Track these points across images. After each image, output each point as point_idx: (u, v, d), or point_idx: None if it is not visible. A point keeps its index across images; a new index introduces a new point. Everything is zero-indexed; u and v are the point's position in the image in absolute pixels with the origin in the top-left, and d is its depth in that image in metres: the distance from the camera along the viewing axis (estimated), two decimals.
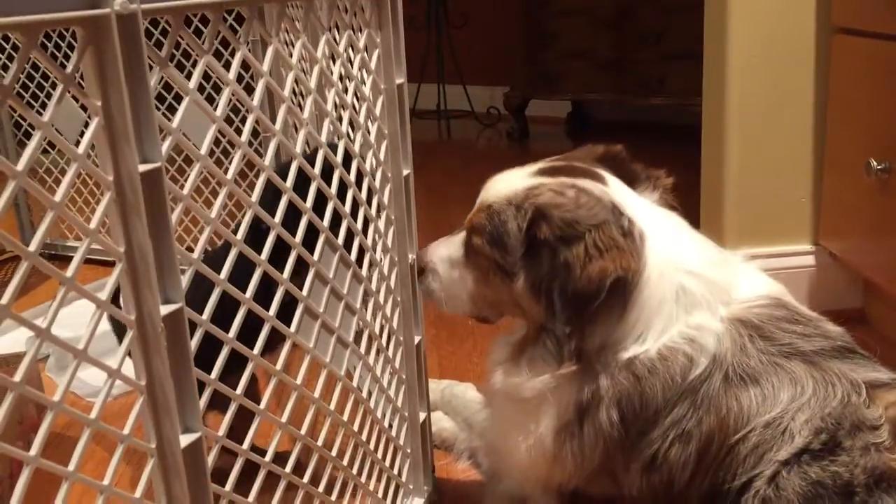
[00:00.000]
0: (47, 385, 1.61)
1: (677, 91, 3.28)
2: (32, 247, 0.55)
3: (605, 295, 0.94)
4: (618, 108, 3.95)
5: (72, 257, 0.58)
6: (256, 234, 0.78)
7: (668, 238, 1.02)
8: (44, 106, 1.87)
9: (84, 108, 1.73)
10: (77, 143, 0.57)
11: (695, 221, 1.93)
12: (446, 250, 1.13)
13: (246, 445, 0.78)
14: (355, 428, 1.00)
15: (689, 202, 1.94)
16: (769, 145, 1.82)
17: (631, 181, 1.08)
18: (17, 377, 0.55)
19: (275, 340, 0.83)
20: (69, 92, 0.57)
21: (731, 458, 0.92)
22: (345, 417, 0.98)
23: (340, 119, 1.02)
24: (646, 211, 1.03)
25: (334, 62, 0.95)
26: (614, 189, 1.03)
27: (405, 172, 1.09)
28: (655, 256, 0.98)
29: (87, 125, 0.60)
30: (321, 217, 0.89)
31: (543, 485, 1.09)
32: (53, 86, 1.70)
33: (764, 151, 1.82)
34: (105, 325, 0.62)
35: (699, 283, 0.99)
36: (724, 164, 1.84)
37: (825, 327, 1.01)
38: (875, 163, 1.56)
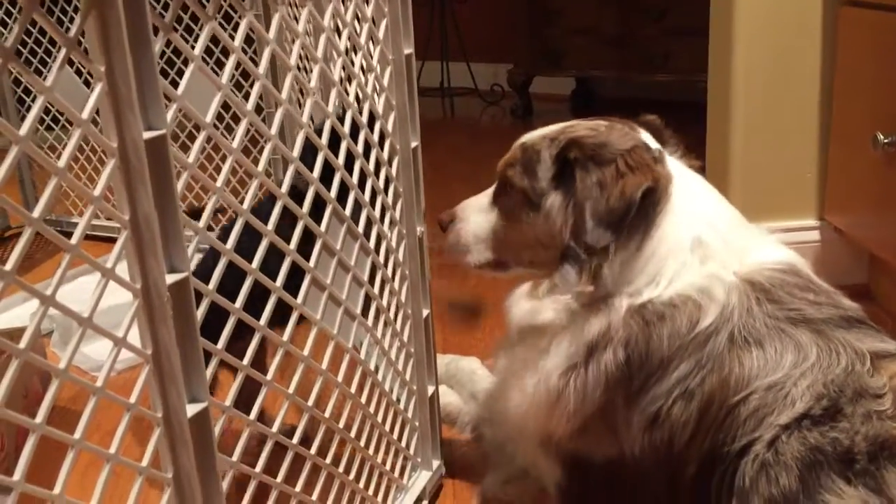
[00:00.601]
0: (52, 361, 1.61)
1: (682, 67, 3.25)
2: (36, 213, 0.54)
3: (636, 209, 0.96)
4: (622, 84, 3.91)
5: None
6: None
7: (694, 190, 1.04)
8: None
9: (88, 84, 1.72)
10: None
11: None
12: (475, 200, 1.15)
13: (253, 416, 0.78)
14: (363, 400, 1.00)
15: None
16: (774, 120, 1.81)
17: (661, 143, 1.10)
18: (22, 344, 0.55)
19: (285, 312, 0.83)
20: (72, 57, 0.56)
21: (731, 420, 0.92)
22: (352, 390, 0.97)
23: (347, 92, 1.01)
24: (674, 164, 1.06)
25: (340, 33, 0.94)
26: (647, 136, 1.07)
27: (413, 144, 1.08)
28: (678, 201, 1.00)
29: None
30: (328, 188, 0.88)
31: (541, 434, 1.08)
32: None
33: (769, 126, 1.81)
34: (110, 301, 0.62)
35: (716, 238, 1.00)
36: (729, 139, 1.82)
37: (839, 300, 1.00)
38: (882, 136, 1.54)
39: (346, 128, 0.92)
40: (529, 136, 1.09)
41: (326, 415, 0.91)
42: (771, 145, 1.82)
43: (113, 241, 0.62)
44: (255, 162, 0.78)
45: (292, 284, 0.83)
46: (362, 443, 1.01)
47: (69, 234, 0.58)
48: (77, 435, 0.60)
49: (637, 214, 0.97)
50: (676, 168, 1.05)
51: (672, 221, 0.99)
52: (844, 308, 0.98)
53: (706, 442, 0.94)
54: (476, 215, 1.14)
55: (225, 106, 0.72)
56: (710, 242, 1.00)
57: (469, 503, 1.21)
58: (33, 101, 0.56)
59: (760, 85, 1.78)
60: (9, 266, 0.52)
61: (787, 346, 0.93)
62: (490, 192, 1.14)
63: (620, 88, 3.99)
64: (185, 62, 0.68)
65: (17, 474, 0.56)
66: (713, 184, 1.88)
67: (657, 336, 0.96)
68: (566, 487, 1.11)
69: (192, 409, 0.69)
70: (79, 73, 1.94)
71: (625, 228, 0.97)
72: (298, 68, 0.82)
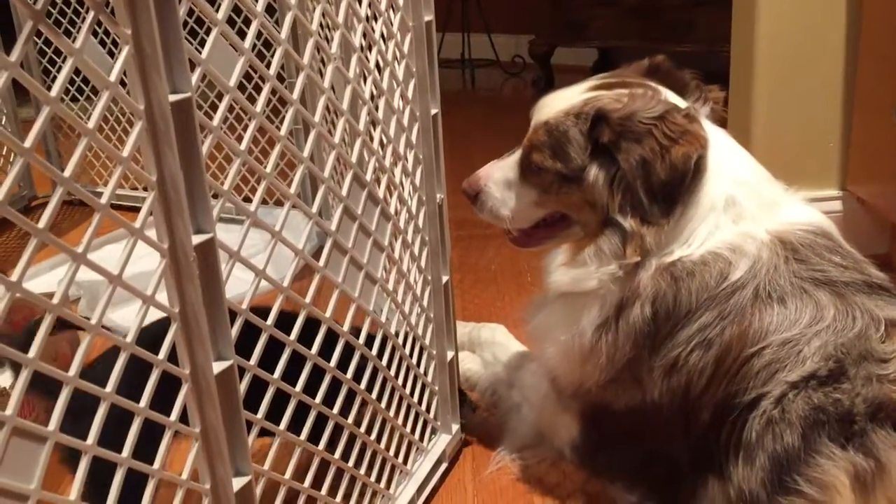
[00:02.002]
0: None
1: (706, 37, 3.21)
2: (67, 172, 0.56)
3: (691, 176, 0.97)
4: (645, 55, 3.88)
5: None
6: None
7: (724, 148, 1.04)
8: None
9: (112, 54, 1.73)
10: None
11: None
12: (500, 173, 1.13)
13: (277, 375, 0.80)
14: (384, 363, 1.01)
15: None
16: (797, 90, 1.79)
17: (681, 91, 1.10)
18: (55, 300, 0.57)
19: None
20: (100, 19, 0.58)
21: (745, 371, 0.94)
22: (373, 353, 0.99)
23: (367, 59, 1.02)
24: (702, 119, 1.05)
25: (361, 1, 0.95)
26: (670, 94, 1.06)
27: (433, 111, 1.09)
28: (712, 162, 1.00)
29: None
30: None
31: (573, 385, 1.10)
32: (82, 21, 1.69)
33: (792, 96, 1.79)
34: (136, 268, 0.63)
35: (749, 197, 1.01)
36: (751, 109, 1.81)
37: (865, 267, 1.01)
38: None
39: (367, 94, 0.93)
40: (550, 111, 1.06)
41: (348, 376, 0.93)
42: (793, 115, 1.80)
43: (138, 210, 0.63)
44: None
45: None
46: (383, 404, 1.03)
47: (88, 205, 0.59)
48: (108, 389, 0.62)
49: (693, 177, 0.97)
50: (707, 126, 1.04)
51: (707, 183, 0.99)
52: (869, 275, 0.99)
53: (720, 391, 0.95)
54: (506, 192, 1.12)
55: (247, 77, 0.74)
56: (743, 202, 1.00)
57: (487, 467, 1.23)
58: (58, 70, 0.58)
59: (784, 54, 1.76)
60: (42, 224, 0.54)
61: (806, 305, 0.94)
62: (515, 163, 1.12)
63: (642, 59, 3.95)
64: (208, 32, 0.69)
65: (52, 425, 0.58)
66: None
67: (686, 290, 0.97)
68: (580, 442, 1.14)
69: (218, 367, 0.71)
70: (102, 43, 1.96)
71: (681, 197, 0.97)
72: (319, 36, 0.82)
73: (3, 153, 2.31)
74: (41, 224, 0.54)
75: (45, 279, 1.84)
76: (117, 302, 0.78)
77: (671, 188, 0.97)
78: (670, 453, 1.04)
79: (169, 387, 0.68)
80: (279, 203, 0.78)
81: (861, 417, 0.87)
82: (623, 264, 1.00)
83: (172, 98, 0.62)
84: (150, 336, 0.66)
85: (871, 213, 1.81)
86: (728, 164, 1.02)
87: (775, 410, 0.91)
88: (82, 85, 2.21)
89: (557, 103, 1.06)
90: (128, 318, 0.65)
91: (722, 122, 1.11)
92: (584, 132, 1.01)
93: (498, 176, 1.14)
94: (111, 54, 2.03)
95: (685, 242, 0.99)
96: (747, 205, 1.00)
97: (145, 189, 0.63)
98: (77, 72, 0.58)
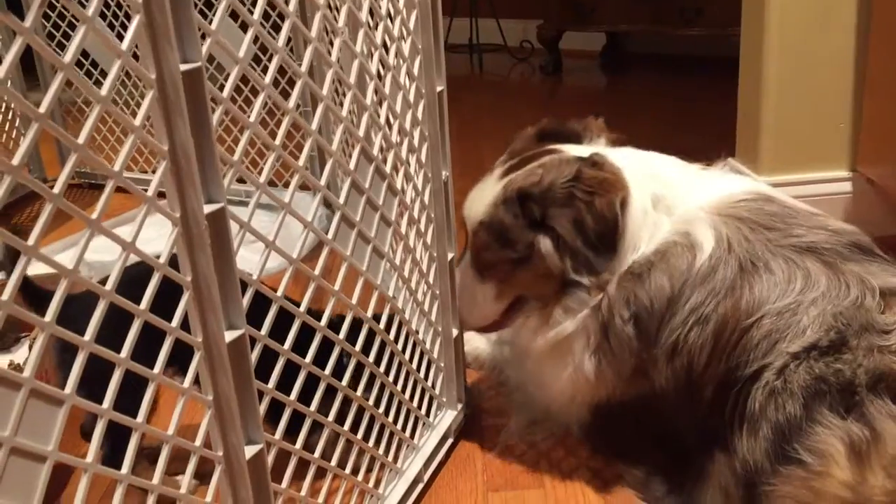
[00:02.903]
0: None
1: (715, 21, 3.20)
2: (81, 139, 0.57)
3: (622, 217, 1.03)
4: (653, 40, 3.87)
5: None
6: None
7: (633, 160, 1.10)
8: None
9: (125, 27, 1.75)
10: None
11: (731, 150, 1.93)
12: (461, 278, 1.19)
13: (287, 346, 0.81)
14: (391, 336, 1.03)
15: (723, 133, 1.93)
16: (808, 71, 1.78)
17: (577, 139, 1.18)
18: (70, 265, 0.58)
19: None
20: None
21: (744, 342, 0.95)
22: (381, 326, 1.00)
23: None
24: (604, 151, 1.12)
25: None
26: (569, 148, 1.13)
27: (439, 88, 1.09)
28: (627, 177, 1.06)
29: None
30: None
31: (592, 404, 1.14)
32: None
33: (802, 77, 1.79)
34: (148, 249, 0.64)
35: (671, 186, 1.07)
36: (761, 89, 1.80)
37: (826, 222, 1.03)
38: None
39: (374, 70, 0.94)
40: (479, 209, 1.11)
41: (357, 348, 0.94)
42: (804, 96, 1.80)
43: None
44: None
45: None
46: (390, 378, 1.04)
47: (102, 188, 0.60)
48: (123, 354, 0.64)
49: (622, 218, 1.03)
50: (606, 152, 1.11)
51: (631, 199, 1.04)
52: (839, 232, 1.01)
53: (721, 365, 0.97)
54: (472, 294, 1.17)
55: (255, 60, 0.74)
56: (665, 193, 1.06)
57: (493, 443, 1.24)
58: (64, 37, 0.58)
59: (794, 35, 1.76)
60: (56, 189, 0.55)
61: (794, 273, 0.96)
62: (466, 269, 1.17)
63: (651, 44, 3.94)
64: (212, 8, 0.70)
65: (68, 389, 0.59)
66: (745, 136, 1.89)
67: (654, 281, 1.02)
68: (589, 424, 1.15)
69: (230, 336, 0.72)
70: (115, 16, 1.96)
71: (619, 238, 1.03)
72: (330, 8, 0.83)
73: (10, 138, 2.33)
74: (56, 189, 0.55)
75: (59, 259, 1.85)
76: None
77: (608, 235, 1.03)
78: (676, 434, 1.05)
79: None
80: (288, 186, 0.79)
81: (862, 388, 0.88)
82: (591, 303, 1.07)
83: (183, 67, 0.63)
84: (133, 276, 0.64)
85: (881, 194, 1.81)
86: (636, 170, 1.08)
87: (777, 381, 0.92)
88: (91, 68, 2.23)
89: (482, 199, 1.11)
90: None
91: (617, 142, 1.19)
92: (517, 214, 1.07)
93: (461, 281, 1.19)
94: (123, 27, 2.05)
95: (634, 251, 1.04)
96: (671, 193, 1.06)
97: (154, 174, 0.65)
98: (85, 55, 0.59)
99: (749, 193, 1.07)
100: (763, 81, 1.80)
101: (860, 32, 1.75)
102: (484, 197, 1.11)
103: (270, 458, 0.80)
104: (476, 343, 1.41)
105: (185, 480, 0.72)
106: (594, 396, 1.12)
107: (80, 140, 0.56)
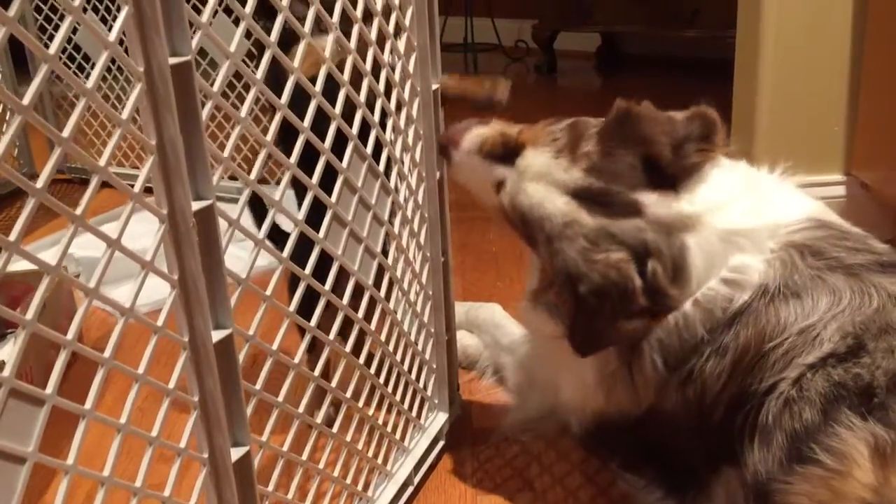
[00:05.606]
0: (78, 304, 1.64)
1: (711, 23, 3.19)
2: (65, 133, 0.55)
3: None
4: (649, 41, 3.86)
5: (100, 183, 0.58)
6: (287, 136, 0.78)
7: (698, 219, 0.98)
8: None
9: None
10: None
11: None
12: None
13: (275, 346, 0.80)
14: (382, 338, 1.01)
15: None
16: (803, 73, 1.78)
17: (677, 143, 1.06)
18: (53, 262, 0.56)
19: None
20: None
21: (761, 363, 0.92)
22: (372, 327, 0.99)
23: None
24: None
25: None
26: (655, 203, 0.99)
27: (434, 86, 1.08)
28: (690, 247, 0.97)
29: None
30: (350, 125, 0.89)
31: (595, 414, 1.11)
32: None
33: (798, 79, 1.78)
34: (136, 245, 0.62)
35: (736, 240, 0.97)
36: (756, 92, 1.80)
37: (871, 243, 0.99)
38: None
39: (368, 66, 0.92)
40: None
41: (347, 350, 0.93)
42: (798, 99, 1.79)
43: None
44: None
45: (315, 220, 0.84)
46: (381, 379, 1.03)
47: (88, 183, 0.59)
48: (107, 354, 0.62)
49: None
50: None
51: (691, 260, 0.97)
52: (878, 252, 0.98)
53: (734, 386, 0.94)
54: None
55: (248, 55, 0.73)
56: (731, 247, 0.97)
57: (484, 445, 1.23)
58: (55, 29, 0.57)
59: (790, 38, 1.75)
60: (39, 183, 0.53)
61: (822, 293, 0.92)
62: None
63: (647, 45, 3.93)
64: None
65: (50, 388, 0.58)
66: (739, 139, 1.88)
67: (690, 327, 0.96)
68: (589, 432, 1.13)
69: (217, 335, 0.70)
70: (107, 9, 1.94)
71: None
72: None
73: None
74: (39, 184, 0.53)
75: (43, 255, 1.83)
76: (117, 279, 0.78)
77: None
78: (680, 450, 1.04)
79: None
80: (279, 183, 0.78)
81: (881, 390, 0.85)
82: None
83: (172, 61, 0.62)
84: None
85: (875, 198, 1.80)
86: (707, 229, 0.97)
87: (793, 390, 0.89)
88: (83, 62, 2.21)
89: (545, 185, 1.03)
90: (125, 295, 0.64)
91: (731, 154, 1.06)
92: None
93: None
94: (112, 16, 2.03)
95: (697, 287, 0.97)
96: (739, 242, 0.97)
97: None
98: (77, 48, 0.58)
99: (809, 221, 0.99)
100: (758, 84, 1.79)
101: (855, 36, 1.75)
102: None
103: (257, 461, 0.79)
104: (468, 341, 1.40)
105: (170, 483, 0.71)
106: (604, 411, 1.09)
107: (65, 134, 0.55)
